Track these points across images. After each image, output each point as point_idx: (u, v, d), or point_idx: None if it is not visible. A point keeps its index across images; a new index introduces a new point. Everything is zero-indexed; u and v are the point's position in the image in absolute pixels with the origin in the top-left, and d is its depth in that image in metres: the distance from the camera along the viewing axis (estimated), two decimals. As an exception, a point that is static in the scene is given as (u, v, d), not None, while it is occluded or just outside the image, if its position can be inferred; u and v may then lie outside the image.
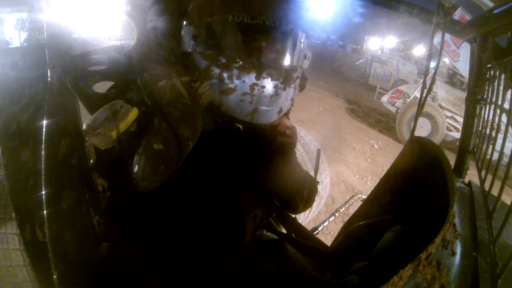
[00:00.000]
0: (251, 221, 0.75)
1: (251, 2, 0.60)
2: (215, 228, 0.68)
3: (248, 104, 0.61)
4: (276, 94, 0.62)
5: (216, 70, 0.60)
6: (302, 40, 0.66)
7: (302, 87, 0.73)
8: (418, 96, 4.76)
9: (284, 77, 0.63)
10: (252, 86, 0.60)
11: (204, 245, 0.66)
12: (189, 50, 0.62)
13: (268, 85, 0.61)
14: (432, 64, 3.64)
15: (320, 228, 1.85)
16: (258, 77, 0.60)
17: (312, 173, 0.88)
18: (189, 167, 0.61)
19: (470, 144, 0.92)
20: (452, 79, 5.52)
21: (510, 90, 0.67)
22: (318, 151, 0.96)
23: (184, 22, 0.63)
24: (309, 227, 1.79)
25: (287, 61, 0.64)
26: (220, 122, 0.69)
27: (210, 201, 0.67)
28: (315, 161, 0.91)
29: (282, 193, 0.77)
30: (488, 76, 0.85)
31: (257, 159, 0.72)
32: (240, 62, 0.59)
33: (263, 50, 0.62)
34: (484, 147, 0.82)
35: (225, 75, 0.59)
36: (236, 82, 0.59)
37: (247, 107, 0.61)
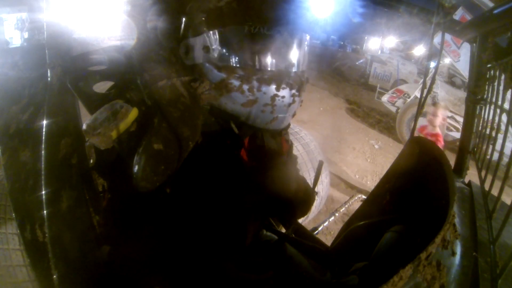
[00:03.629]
0: (252, 224, 0.75)
1: (266, 12, 0.59)
2: (216, 230, 0.68)
3: (269, 114, 0.62)
4: (293, 102, 0.64)
5: (236, 83, 0.59)
6: (307, 43, 0.67)
7: None
8: (418, 96, 4.76)
9: (299, 85, 0.64)
10: (273, 97, 0.60)
11: (205, 248, 0.65)
12: (199, 61, 0.59)
13: (287, 94, 0.62)
14: (432, 64, 3.65)
15: (320, 228, 1.86)
16: (278, 88, 0.60)
17: (312, 174, 0.88)
18: (192, 169, 0.61)
19: (470, 144, 0.93)
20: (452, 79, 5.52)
21: (510, 90, 0.67)
22: (320, 163, 0.95)
23: (189, 32, 0.60)
24: (309, 227, 1.79)
25: (300, 67, 0.65)
26: (227, 127, 0.70)
27: (212, 204, 0.67)
28: (316, 172, 0.90)
29: (281, 196, 0.76)
30: (488, 76, 0.85)
31: (258, 161, 0.72)
32: (260, 74, 0.59)
33: (281, 60, 0.62)
34: (484, 147, 0.82)
35: (245, 87, 0.59)
36: (257, 94, 0.59)
37: (267, 116, 0.62)
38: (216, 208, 0.67)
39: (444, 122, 2.94)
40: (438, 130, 2.82)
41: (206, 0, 0.58)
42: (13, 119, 0.50)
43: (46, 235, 0.48)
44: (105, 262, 0.58)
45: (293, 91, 0.63)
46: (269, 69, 0.60)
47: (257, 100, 0.60)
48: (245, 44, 0.58)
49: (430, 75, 2.59)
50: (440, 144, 2.73)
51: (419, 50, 9.48)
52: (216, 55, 0.58)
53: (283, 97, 0.61)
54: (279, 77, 0.60)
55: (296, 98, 0.64)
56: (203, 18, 0.58)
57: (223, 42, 0.58)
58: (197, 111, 0.59)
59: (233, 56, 0.58)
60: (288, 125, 0.74)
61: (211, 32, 0.58)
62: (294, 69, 0.64)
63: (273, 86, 0.60)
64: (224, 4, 0.57)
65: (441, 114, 2.77)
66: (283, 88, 0.61)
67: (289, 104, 0.63)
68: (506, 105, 0.67)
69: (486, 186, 0.73)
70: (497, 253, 0.53)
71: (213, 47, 0.58)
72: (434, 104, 2.96)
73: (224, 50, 0.58)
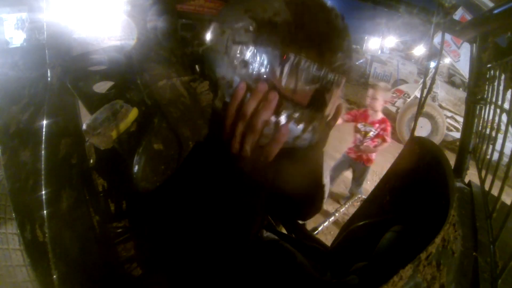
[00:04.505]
0: (254, 224, 0.75)
1: (324, 50, 0.52)
2: (217, 230, 0.68)
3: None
4: (312, 142, 0.55)
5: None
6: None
7: None
8: (418, 96, 4.77)
9: (324, 130, 0.56)
10: (295, 139, 0.53)
11: (206, 247, 0.65)
12: (231, 75, 0.52)
13: (310, 138, 0.54)
14: (432, 64, 3.65)
15: (320, 228, 1.86)
16: (305, 130, 0.52)
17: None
18: (195, 167, 0.60)
19: (470, 144, 0.93)
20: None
21: (510, 90, 0.67)
22: None
23: (228, 32, 0.52)
24: (309, 227, 1.79)
25: (331, 111, 0.57)
26: None
27: (213, 203, 0.67)
28: None
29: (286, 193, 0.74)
30: (488, 76, 0.85)
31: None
32: (291, 111, 0.51)
33: (317, 101, 0.54)
34: (484, 147, 0.82)
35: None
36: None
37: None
38: (217, 208, 0.67)
39: (386, 104, 2.66)
40: (382, 115, 2.56)
41: (261, 7, 0.50)
42: (13, 119, 0.50)
43: (46, 235, 0.48)
44: (105, 262, 0.58)
45: (317, 135, 0.55)
46: (302, 107, 0.52)
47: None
48: (288, 74, 0.51)
49: (430, 75, 2.58)
50: (389, 128, 2.54)
51: (419, 50, 9.48)
52: (252, 74, 0.51)
53: (304, 140, 0.54)
54: (310, 119, 0.52)
55: (316, 139, 0.56)
56: (251, 27, 0.51)
57: (265, 63, 0.51)
58: (197, 111, 0.59)
59: (268, 83, 0.51)
60: None
61: (255, 47, 0.50)
62: (326, 112, 0.56)
63: (300, 127, 0.52)
64: (280, 21, 0.50)
65: (381, 97, 2.50)
66: (309, 132, 0.53)
67: (307, 144, 0.56)
68: (506, 105, 0.67)
69: (486, 186, 0.73)
70: (497, 253, 0.53)
71: (252, 64, 0.51)
72: (373, 85, 2.63)
73: (262, 72, 0.51)
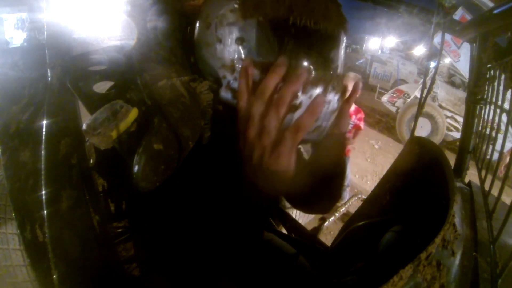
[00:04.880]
0: (255, 224, 0.75)
1: (314, 5, 0.51)
2: (220, 230, 0.68)
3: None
4: (337, 108, 0.55)
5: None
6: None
7: None
8: (418, 96, 4.77)
9: (343, 89, 0.55)
10: None
11: (206, 248, 0.65)
12: (230, 56, 0.51)
13: (333, 99, 0.53)
14: (432, 64, 3.65)
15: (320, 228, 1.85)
16: (326, 91, 0.51)
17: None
18: (195, 168, 0.60)
19: (470, 144, 0.93)
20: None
21: (510, 90, 0.67)
22: None
23: (215, 21, 0.51)
24: (309, 227, 1.79)
25: (342, 69, 0.57)
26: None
27: (215, 204, 0.67)
28: None
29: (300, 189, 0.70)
30: (488, 76, 0.85)
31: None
32: (309, 76, 0.49)
33: (327, 60, 0.53)
34: (484, 147, 0.82)
35: None
36: (302, 98, 0.49)
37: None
38: (218, 209, 0.67)
39: (357, 95, 2.68)
40: (355, 105, 2.55)
41: None
42: (13, 119, 0.50)
43: (46, 235, 0.48)
44: (105, 262, 0.58)
45: (338, 95, 0.54)
46: (317, 69, 0.51)
47: (301, 105, 0.49)
48: (288, 38, 0.49)
49: (430, 75, 2.58)
50: (363, 116, 2.55)
51: (419, 50, 9.49)
52: (251, 49, 0.50)
53: (329, 102, 0.52)
54: (326, 79, 0.51)
55: (339, 104, 0.55)
56: (236, 5, 0.50)
57: (260, 34, 0.49)
58: (197, 111, 0.59)
59: (274, 52, 0.49)
60: None
61: (245, 22, 0.49)
62: (339, 70, 0.55)
63: (320, 89, 0.50)
64: None
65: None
66: (330, 91, 0.51)
67: (333, 111, 0.54)
68: (506, 105, 0.67)
69: (486, 186, 0.73)
70: (497, 253, 0.53)
71: (250, 40, 0.49)
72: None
73: (261, 44, 0.49)
